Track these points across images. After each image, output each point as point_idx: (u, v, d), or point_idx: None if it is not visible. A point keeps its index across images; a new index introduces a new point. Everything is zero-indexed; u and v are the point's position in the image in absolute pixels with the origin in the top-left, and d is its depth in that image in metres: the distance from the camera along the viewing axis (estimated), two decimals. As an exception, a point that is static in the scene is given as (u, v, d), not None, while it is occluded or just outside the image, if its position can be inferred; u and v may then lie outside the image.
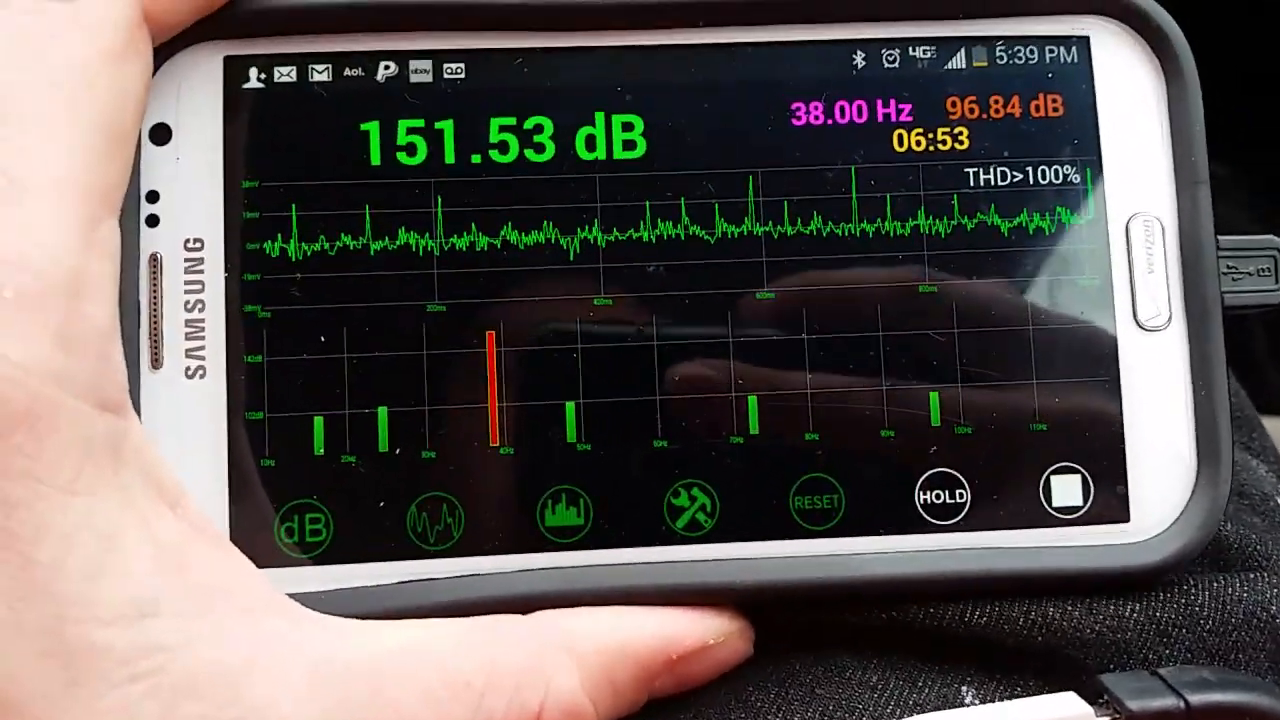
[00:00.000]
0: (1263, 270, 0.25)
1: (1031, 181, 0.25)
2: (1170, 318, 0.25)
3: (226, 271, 0.23)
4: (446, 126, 0.24)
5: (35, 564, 0.18)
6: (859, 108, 0.25)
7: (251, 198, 0.24)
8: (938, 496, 0.24)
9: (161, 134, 0.24)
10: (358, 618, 0.21)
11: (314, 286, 0.24)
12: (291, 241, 0.24)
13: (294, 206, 0.24)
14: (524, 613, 0.22)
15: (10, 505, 0.18)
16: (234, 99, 0.24)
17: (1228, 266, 0.25)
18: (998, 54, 0.25)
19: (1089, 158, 0.25)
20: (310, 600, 0.22)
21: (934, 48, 0.25)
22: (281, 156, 0.24)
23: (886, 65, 0.25)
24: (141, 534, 0.19)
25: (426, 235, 0.24)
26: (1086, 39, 0.25)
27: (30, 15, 0.20)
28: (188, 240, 0.23)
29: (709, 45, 0.25)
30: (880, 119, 0.25)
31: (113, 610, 0.18)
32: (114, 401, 0.19)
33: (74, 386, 0.18)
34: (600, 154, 0.24)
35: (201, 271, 0.23)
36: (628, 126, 0.24)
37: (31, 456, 0.18)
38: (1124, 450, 0.24)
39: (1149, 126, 0.25)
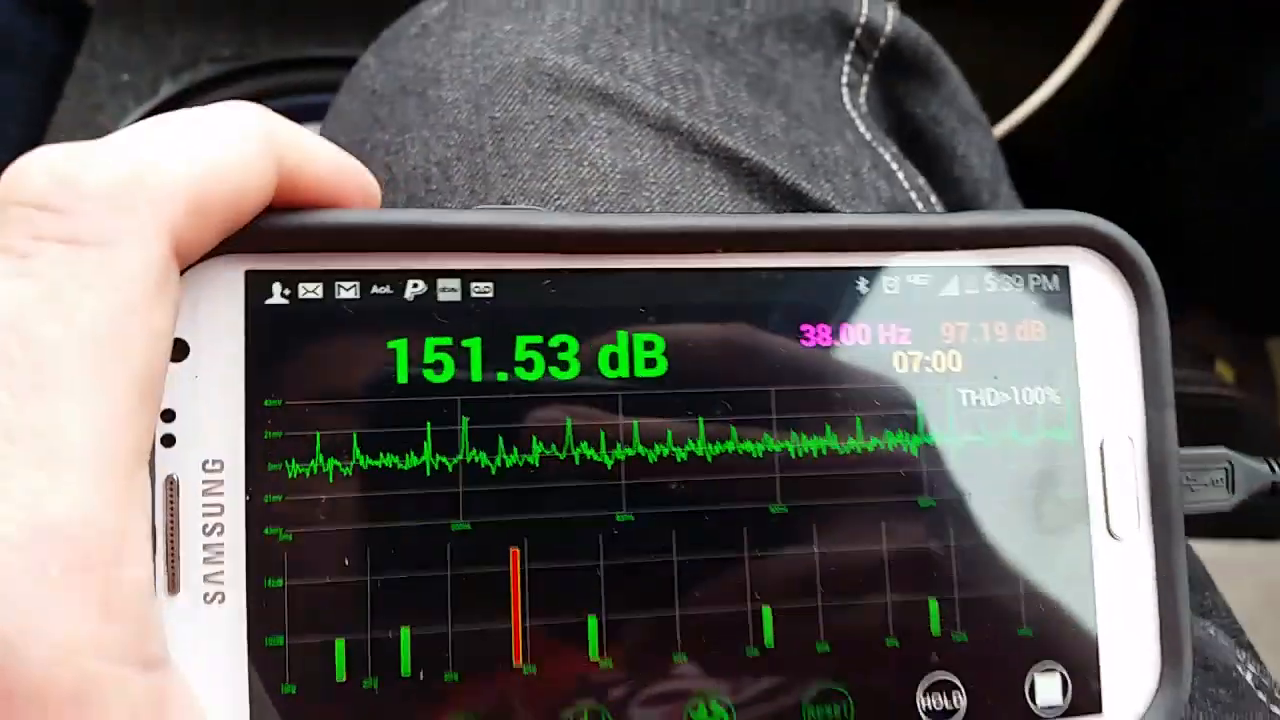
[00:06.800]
0: (1216, 480, 0.28)
1: (1018, 402, 0.27)
2: (1139, 527, 0.27)
3: (248, 494, 0.23)
4: (474, 344, 0.24)
5: None
6: (862, 331, 0.26)
7: (275, 417, 0.23)
8: (938, 702, 0.25)
9: (179, 350, 0.23)
10: None
11: (337, 507, 0.23)
12: (314, 461, 0.23)
13: (318, 426, 0.23)
14: (549, 839, 0.23)
15: None
16: (256, 315, 0.23)
17: (1186, 478, 0.27)
18: (987, 282, 0.27)
19: (1068, 380, 0.27)
20: (332, 836, 0.21)
21: (930, 276, 0.27)
22: (306, 374, 0.24)
23: (887, 291, 0.27)
24: None
25: (451, 453, 0.24)
26: (1066, 269, 0.27)
27: (63, 265, 0.19)
28: (206, 461, 0.23)
29: (726, 270, 0.26)
30: (882, 341, 0.26)
31: None
32: (154, 658, 0.19)
33: (118, 653, 0.18)
34: (623, 372, 0.25)
35: (221, 494, 0.23)
36: (649, 345, 0.25)
37: None
38: (1098, 649, 0.26)
39: (1121, 350, 0.27)
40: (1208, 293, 0.74)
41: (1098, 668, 0.26)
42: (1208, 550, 0.38)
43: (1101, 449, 0.27)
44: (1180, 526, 0.27)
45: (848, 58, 0.37)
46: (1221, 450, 0.28)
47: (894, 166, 0.35)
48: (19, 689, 0.17)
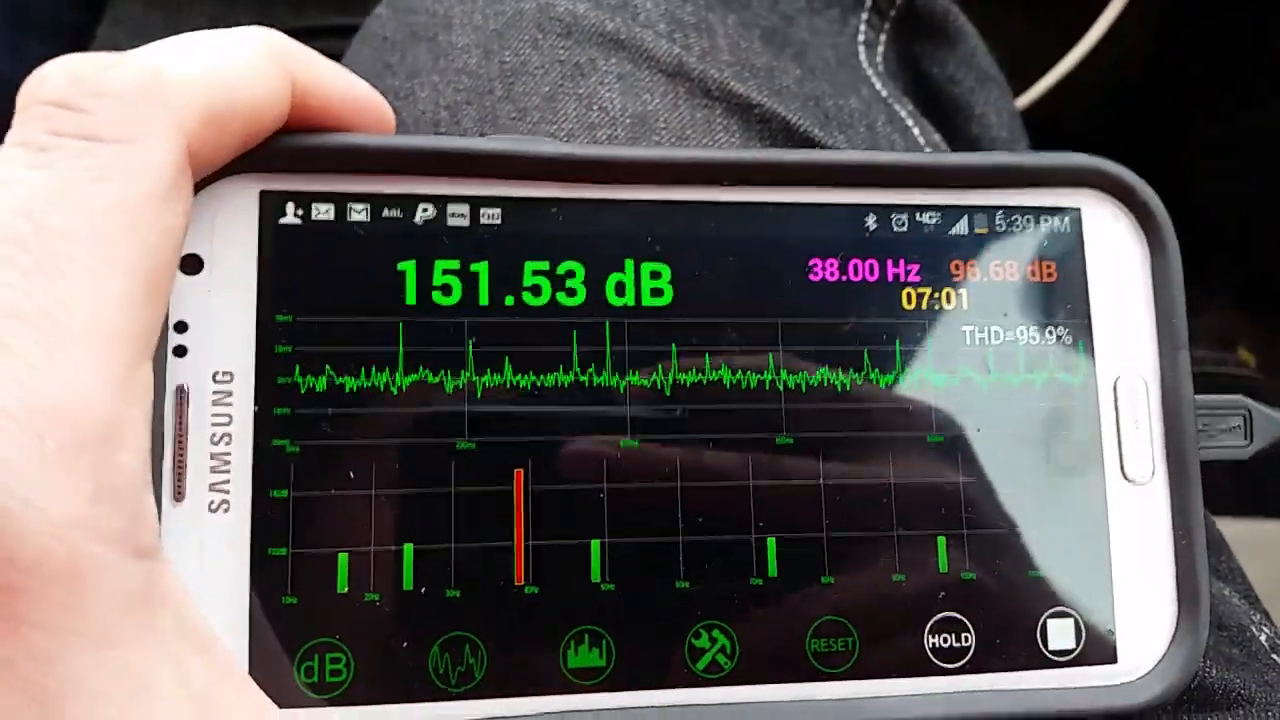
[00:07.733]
0: (1234, 427, 0.27)
1: (1028, 341, 0.26)
2: (1154, 472, 0.26)
3: (256, 405, 0.23)
4: (481, 269, 0.25)
5: None
6: (870, 266, 0.26)
7: (285, 332, 0.24)
8: (945, 640, 0.25)
9: (192, 264, 0.24)
10: None
11: (344, 422, 0.24)
12: (324, 376, 0.24)
13: (328, 342, 0.24)
14: (546, 758, 0.22)
15: (48, 661, 0.17)
16: (270, 233, 0.24)
17: (1203, 424, 0.27)
18: (997, 222, 0.27)
19: (1080, 320, 0.27)
20: (328, 745, 0.21)
21: (939, 214, 0.27)
22: (317, 292, 0.24)
23: (896, 228, 0.26)
24: (175, 683, 0.19)
25: (458, 374, 0.24)
26: (1078, 211, 0.27)
27: (80, 158, 0.19)
28: (216, 373, 0.23)
29: (734, 203, 0.26)
30: (890, 278, 0.26)
31: None
32: (147, 547, 0.19)
33: (110, 537, 0.18)
34: (629, 300, 0.25)
35: (230, 404, 0.23)
36: (655, 274, 0.25)
37: (70, 611, 0.17)
38: (1112, 595, 0.26)
39: (1134, 293, 0.27)
40: (1230, 280, 0.73)
41: (1112, 613, 0.26)
42: (1227, 527, 0.37)
43: (1115, 391, 0.27)
44: (1197, 472, 0.26)
45: (864, 16, 0.38)
46: (1239, 398, 0.27)
47: (909, 123, 0.35)
48: (18, 559, 0.17)
